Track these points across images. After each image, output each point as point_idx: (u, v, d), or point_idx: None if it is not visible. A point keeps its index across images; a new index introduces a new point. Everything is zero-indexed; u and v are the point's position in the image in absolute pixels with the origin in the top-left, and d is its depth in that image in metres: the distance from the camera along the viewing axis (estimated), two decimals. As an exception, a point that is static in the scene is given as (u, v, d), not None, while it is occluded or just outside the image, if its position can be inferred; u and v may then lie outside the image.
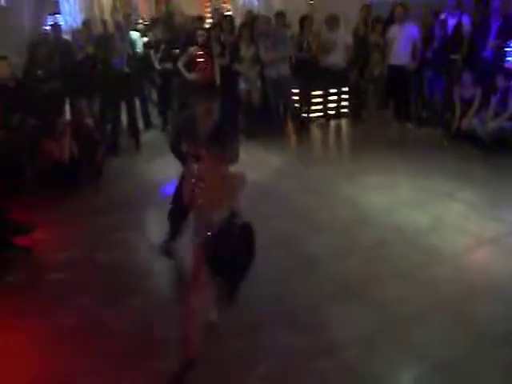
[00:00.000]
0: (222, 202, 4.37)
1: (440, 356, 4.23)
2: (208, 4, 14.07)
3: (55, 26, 10.96)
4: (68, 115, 9.21)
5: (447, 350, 4.30)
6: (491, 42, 9.17)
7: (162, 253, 5.83)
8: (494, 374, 4.06)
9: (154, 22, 12.02)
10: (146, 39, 11.32)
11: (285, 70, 10.10)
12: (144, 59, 10.71)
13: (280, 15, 10.36)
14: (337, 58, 10.29)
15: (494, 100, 8.91)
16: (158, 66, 10.65)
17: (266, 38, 9.92)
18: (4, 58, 8.42)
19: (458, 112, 9.36)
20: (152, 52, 10.73)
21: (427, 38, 9.83)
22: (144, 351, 4.44)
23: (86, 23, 11.31)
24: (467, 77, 9.16)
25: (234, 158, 4.57)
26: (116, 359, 4.39)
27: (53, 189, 7.93)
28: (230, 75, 9.93)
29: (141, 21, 13.22)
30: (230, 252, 4.38)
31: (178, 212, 5.44)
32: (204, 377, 4.08)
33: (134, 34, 10.65)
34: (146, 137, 10.43)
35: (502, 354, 4.26)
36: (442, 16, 9.84)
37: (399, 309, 4.83)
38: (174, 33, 10.99)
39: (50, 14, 12.57)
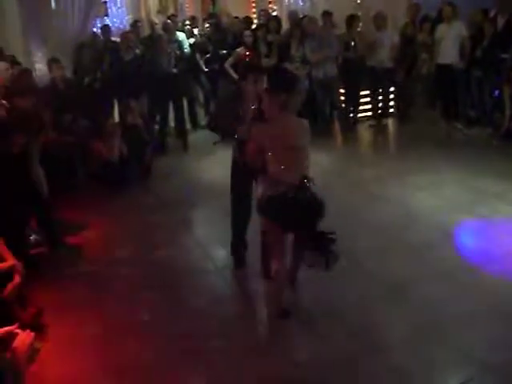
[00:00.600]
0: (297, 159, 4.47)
1: (489, 358, 4.19)
2: (254, 5, 14.14)
3: (105, 27, 11.19)
4: (117, 115, 9.39)
5: (496, 352, 4.25)
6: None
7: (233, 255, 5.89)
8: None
9: (202, 22, 12.11)
10: (192, 40, 11.43)
11: (332, 70, 10.11)
12: (191, 60, 10.82)
13: (326, 14, 10.37)
14: (383, 58, 10.21)
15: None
16: (204, 68, 10.78)
17: (313, 38, 9.93)
18: (56, 60, 8.65)
19: (507, 112, 9.22)
20: (198, 54, 10.86)
21: (476, 36, 9.70)
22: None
23: (134, 25, 11.56)
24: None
25: (295, 106, 4.67)
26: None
27: (103, 188, 8.13)
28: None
29: (188, 22, 13.31)
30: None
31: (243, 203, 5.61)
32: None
33: (181, 35, 10.77)
34: (194, 137, 10.54)
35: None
36: (492, 14, 9.69)
37: (446, 310, 4.78)
38: (221, 34, 11.06)
39: (98, 16, 12.84)
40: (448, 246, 5.93)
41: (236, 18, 12.07)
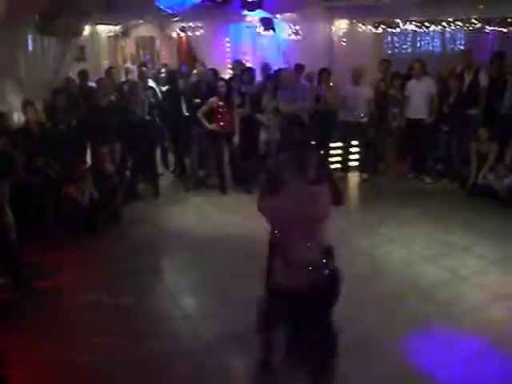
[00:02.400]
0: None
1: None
2: (229, 55, 14.34)
3: (82, 72, 11.25)
4: (89, 160, 9.38)
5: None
6: (508, 98, 9.27)
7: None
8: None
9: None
10: (165, 88, 11.50)
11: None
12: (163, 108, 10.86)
13: (299, 67, 10.59)
14: (360, 112, 10.42)
15: (508, 155, 8.97)
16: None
17: (286, 89, 10.10)
18: (30, 102, 8.65)
19: (474, 166, 9.45)
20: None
21: (444, 93, 9.98)
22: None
23: (109, 71, 11.65)
24: (483, 132, 9.26)
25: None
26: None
27: (73, 233, 8.05)
28: (251, 125, 10.11)
29: (163, 70, 13.47)
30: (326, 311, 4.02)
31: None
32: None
33: (152, 83, 10.87)
34: (165, 183, 10.56)
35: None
36: (458, 71, 9.99)
37: (414, 361, 4.81)
38: (194, 84, 11.15)
39: (76, 60, 12.90)
40: (417, 299, 5.99)
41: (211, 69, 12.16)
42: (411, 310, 5.75)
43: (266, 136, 10.16)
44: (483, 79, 9.66)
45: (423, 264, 6.88)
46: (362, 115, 10.43)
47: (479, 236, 7.68)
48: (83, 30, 10.91)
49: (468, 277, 6.54)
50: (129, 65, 14.93)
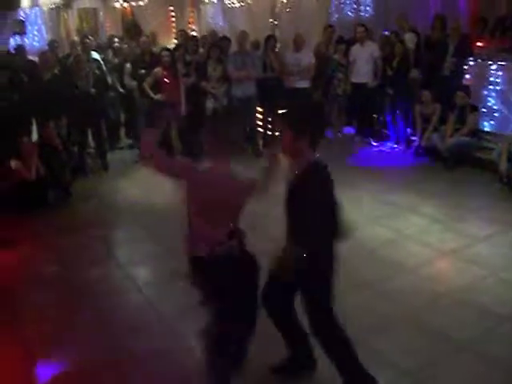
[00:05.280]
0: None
1: (403, 364, 4.39)
2: (174, 25, 14.22)
3: (19, 47, 11.00)
4: (36, 136, 9.23)
5: (410, 358, 4.45)
6: (449, 61, 9.46)
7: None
8: (458, 380, 4.23)
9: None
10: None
11: (251, 88, 10.22)
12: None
13: (243, 33, 10.57)
14: (301, 79, 10.43)
15: (452, 116, 9.20)
16: (120, 89, 10.74)
17: (236, 55, 10.09)
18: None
19: (418, 128, 9.66)
20: (114, 75, 10.77)
21: (388, 56, 10.11)
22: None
23: (51, 44, 11.42)
24: (427, 94, 9.45)
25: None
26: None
27: (22, 208, 7.91)
28: (197, 94, 10.08)
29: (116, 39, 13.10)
30: None
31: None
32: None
33: (96, 55, 10.74)
34: (114, 157, 10.49)
35: (464, 360, 4.44)
36: (401, 35, 10.12)
37: (361, 319, 4.93)
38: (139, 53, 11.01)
39: (15, 34, 12.63)
40: (363, 259, 6.13)
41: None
42: (358, 269, 5.89)
43: (213, 104, 10.16)
44: (409, 40, 9.86)
45: (369, 225, 7.04)
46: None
47: (423, 196, 7.91)
48: (20, 2, 10.65)
49: (413, 235, 6.74)
50: (74, 38, 14.61)
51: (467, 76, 9.60)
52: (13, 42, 13.11)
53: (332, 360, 3.95)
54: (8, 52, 10.58)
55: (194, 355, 4.53)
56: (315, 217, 3.64)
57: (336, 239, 3.93)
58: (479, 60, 9.51)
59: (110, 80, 10.42)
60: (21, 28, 13.85)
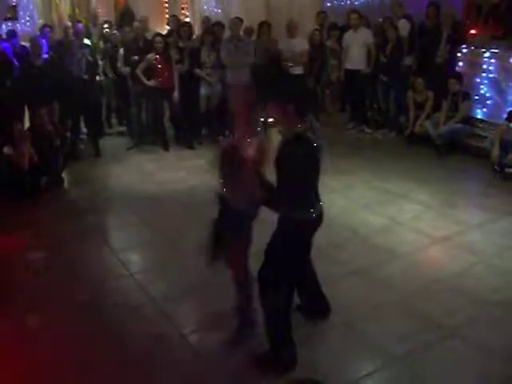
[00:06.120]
0: None
1: (394, 349, 4.43)
2: (167, 11, 14.13)
3: (10, 32, 10.92)
4: (27, 122, 9.18)
5: (401, 343, 4.49)
6: (442, 48, 9.46)
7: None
8: (447, 366, 4.26)
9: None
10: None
11: (246, 75, 10.18)
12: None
13: (237, 19, 10.50)
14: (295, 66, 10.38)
15: (445, 103, 9.21)
16: (110, 75, 10.67)
17: (229, 41, 10.04)
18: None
19: (411, 115, 9.67)
20: (107, 60, 10.70)
21: (382, 43, 10.10)
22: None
23: (43, 29, 11.32)
24: (420, 81, 9.45)
25: None
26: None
27: (15, 195, 7.88)
28: (191, 81, 10.04)
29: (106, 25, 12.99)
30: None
31: None
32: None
33: (88, 41, 10.63)
34: (107, 143, 10.44)
35: (454, 346, 4.49)
36: (395, 22, 10.09)
37: (353, 305, 5.01)
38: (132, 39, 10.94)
39: (6, 20, 12.52)
40: (356, 245, 6.20)
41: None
42: (351, 256, 5.93)
43: (207, 91, 10.14)
44: (402, 28, 9.86)
45: (363, 211, 7.08)
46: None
47: (416, 183, 7.95)
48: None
49: (406, 222, 6.78)
50: (67, 23, 14.49)
51: (460, 63, 9.61)
52: (4, 27, 13.01)
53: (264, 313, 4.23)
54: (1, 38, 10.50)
55: (186, 339, 4.57)
56: (285, 184, 3.94)
57: (307, 212, 4.16)
58: (472, 47, 9.52)
59: (100, 66, 10.37)
60: (12, 13, 13.74)
